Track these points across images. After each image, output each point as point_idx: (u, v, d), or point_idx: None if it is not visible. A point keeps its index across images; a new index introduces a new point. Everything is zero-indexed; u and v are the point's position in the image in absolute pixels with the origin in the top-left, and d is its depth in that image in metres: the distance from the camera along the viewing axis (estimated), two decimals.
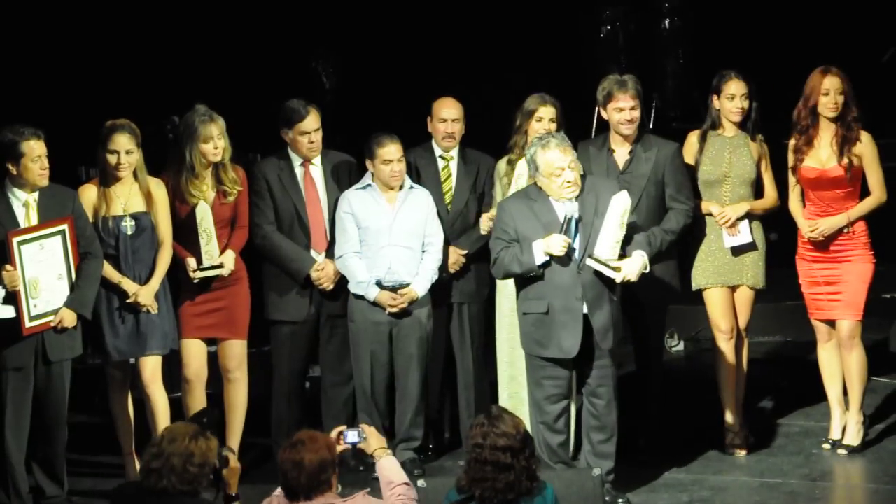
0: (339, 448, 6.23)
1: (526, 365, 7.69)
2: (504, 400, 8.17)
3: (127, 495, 5.97)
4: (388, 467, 6.19)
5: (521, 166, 8.09)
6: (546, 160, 7.46)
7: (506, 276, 7.68)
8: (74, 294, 7.65)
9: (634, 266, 7.46)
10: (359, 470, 7.94)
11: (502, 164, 8.26)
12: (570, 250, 7.45)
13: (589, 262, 7.43)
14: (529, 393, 7.64)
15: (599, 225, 7.46)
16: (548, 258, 7.45)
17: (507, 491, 5.89)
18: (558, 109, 8.19)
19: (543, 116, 8.15)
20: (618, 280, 7.45)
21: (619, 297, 7.58)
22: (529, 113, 8.13)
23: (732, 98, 8.21)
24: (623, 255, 7.50)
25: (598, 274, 7.46)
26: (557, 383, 7.52)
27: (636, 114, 8.11)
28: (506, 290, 8.12)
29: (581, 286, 7.46)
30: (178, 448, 5.74)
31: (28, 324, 7.52)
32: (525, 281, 7.54)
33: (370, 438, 6.30)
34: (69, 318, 7.63)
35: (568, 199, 7.47)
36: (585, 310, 7.46)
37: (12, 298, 7.48)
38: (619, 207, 7.43)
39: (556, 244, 7.41)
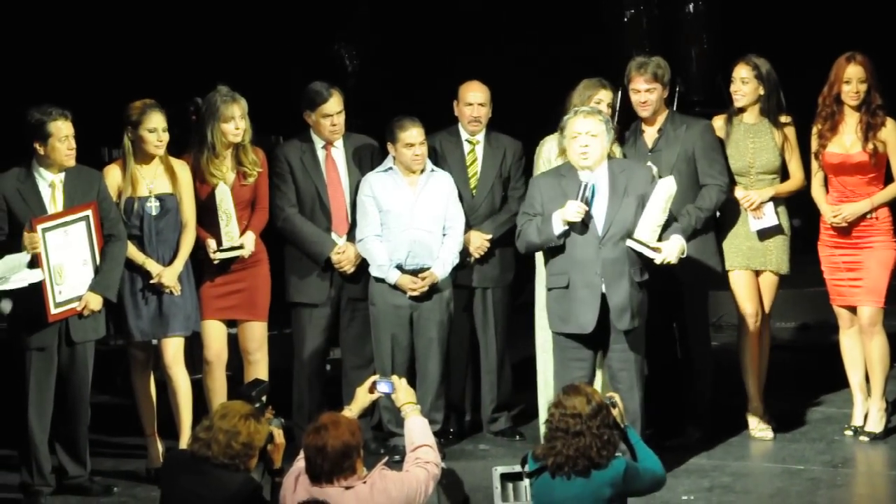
0: (373, 396, 6.31)
1: (552, 345, 7.69)
2: (541, 386, 8.13)
3: (176, 459, 6.26)
4: (412, 428, 6.21)
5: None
6: (570, 124, 7.53)
7: (527, 249, 7.70)
8: (99, 277, 7.66)
9: (674, 248, 7.49)
10: (380, 453, 7.95)
11: (548, 146, 8.06)
12: (588, 219, 7.46)
13: (629, 242, 7.46)
14: (556, 373, 7.63)
15: (627, 204, 7.48)
16: (567, 228, 7.46)
17: (577, 457, 5.94)
18: (616, 95, 8.12)
19: (602, 100, 8.03)
20: (657, 261, 7.47)
21: (642, 280, 7.57)
22: (588, 97, 7.99)
23: (734, 81, 8.20)
24: (660, 240, 7.51)
25: (638, 255, 7.48)
26: (582, 365, 7.54)
27: (651, 97, 8.10)
28: (543, 276, 8.06)
29: (601, 262, 7.47)
30: (226, 424, 5.88)
31: (53, 310, 7.53)
32: (550, 257, 7.56)
33: (399, 392, 6.35)
34: (94, 302, 7.65)
35: (583, 166, 7.47)
36: (604, 289, 7.47)
37: (35, 262, 7.48)
38: (665, 193, 7.46)
39: (571, 209, 7.43)
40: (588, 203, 7.46)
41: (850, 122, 8.11)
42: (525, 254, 7.90)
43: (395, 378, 6.46)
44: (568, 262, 7.51)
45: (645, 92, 8.10)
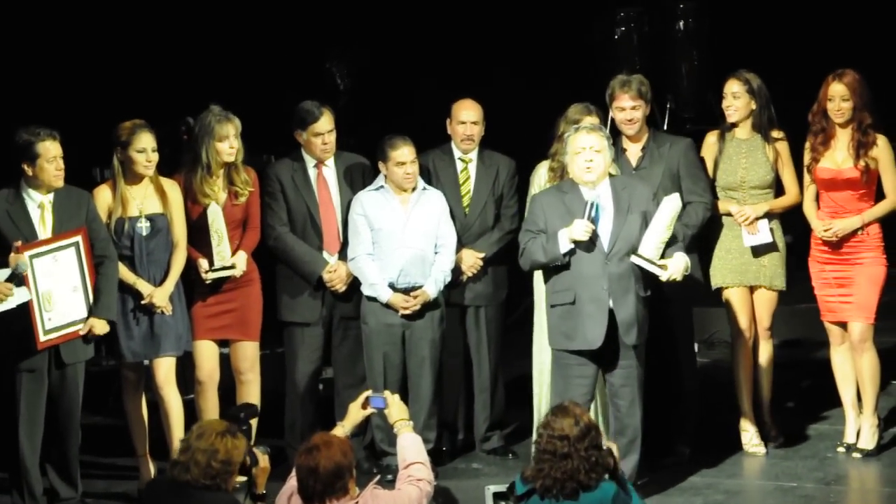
0: (366, 412, 6.30)
1: (553, 362, 7.67)
2: (537, 408, 8.12)
3: (159, 487, 6.16)
4: (405, 445, 6.20)
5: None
6: (574, 140, 7.55)
7: (532, 267, 7.69)
8: (101, 301, 7.65)
9: (679, 265, 7.52)
10: (372, 472, 7.94)
11: (542, 171, 8.14)
12: (595, 236, 7.47)
13: (634, 258, 7.49)
14: (555, 391, 7.61)
15: (632, 221, 7.50)
16: (573, 246, 7.47)
17: (565, 480, 5.91)
18: (601, 118, 8.13)
19: None
20: (663, 278, 7.49)
21: (646, 296, 7.57)
22: (574, 122, 7.95)
23: (725, 97, 8.22)
24: (663, 257, 7.53)
25: (642, 270, 7.50)
26: (584, 382, 7.53)
27: (636, 114, 8.10)
28: (543, 294, 8.05)
29: (608, 277, 7.48)
30: (204, 444, 5.84)
31: (42, 337, 7.50)
32: (553, 273, 7.56)
33: (392, 408, 6.35)
34: (100, 327, 7.65)
35: (588, 181, 7.49)
36: (612, 304, 7.47)
37: (23, 281, 7.46)
38: (670, 210, 7.49)
39: (579, 229, 7.44)
40: (594, 221, 7.47)
41: (842, 139, 8.11)
42: (528, 271, 7.88)
43: (387, 394, 6.46)
44: (574, 278, 7.51)
45: (630, 109, 8.11)
